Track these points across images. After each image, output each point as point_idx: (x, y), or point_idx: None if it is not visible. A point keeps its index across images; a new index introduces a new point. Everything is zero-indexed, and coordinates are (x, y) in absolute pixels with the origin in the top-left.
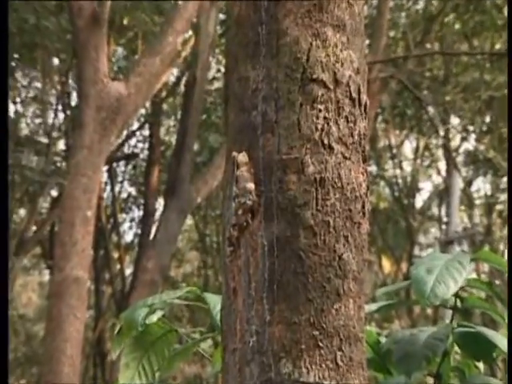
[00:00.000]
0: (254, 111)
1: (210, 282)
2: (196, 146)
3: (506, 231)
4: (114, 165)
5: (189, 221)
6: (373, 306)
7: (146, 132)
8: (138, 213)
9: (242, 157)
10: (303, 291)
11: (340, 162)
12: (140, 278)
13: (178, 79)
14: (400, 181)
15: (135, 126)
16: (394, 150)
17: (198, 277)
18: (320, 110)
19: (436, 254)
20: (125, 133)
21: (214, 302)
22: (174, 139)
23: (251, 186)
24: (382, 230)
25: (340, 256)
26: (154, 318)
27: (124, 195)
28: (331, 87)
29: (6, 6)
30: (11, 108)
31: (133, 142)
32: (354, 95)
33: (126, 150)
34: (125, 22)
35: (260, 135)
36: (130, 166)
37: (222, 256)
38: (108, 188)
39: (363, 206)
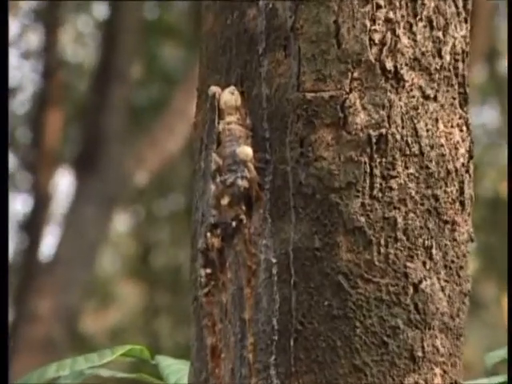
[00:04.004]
0: (250, 8)
1: (163, 338)
2: (136, 73)
3: None
4: None
5: (121, 220)
6: (483, 382)
7: (36, 42)
8: (18, 204)
9: (229, 95)
10: (345, 352)
11: (417, 105)
12: (24, 332)
13: None
14: None
15: (14, 29)
16: None
17: (140, 330)
18: (378, 6)
19: None
20: None
21: (175, 372)
22: (89, 58)
23: (246, 151)
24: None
25: (416, 285)
26: None
27: None
28: None
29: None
30: None
31: (10, 62)
32: None
33: None
34: None
35: (263, 54)
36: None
37: (190, 287)
38: None
39: (461, 191)
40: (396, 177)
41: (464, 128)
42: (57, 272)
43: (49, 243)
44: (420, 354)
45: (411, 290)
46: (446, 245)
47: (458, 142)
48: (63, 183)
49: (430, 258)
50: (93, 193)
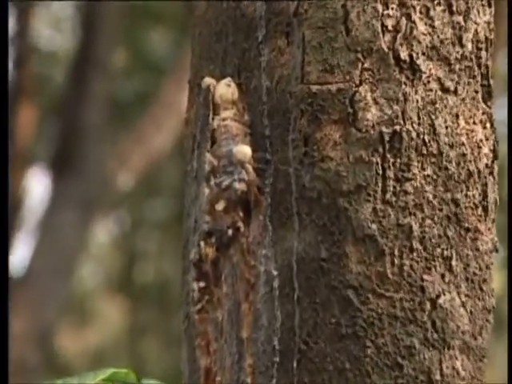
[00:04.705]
0: None
1: (151, 360)
2: (119, 62)
3: None
4: None
5: (102, 228)
6: None
7: (10, 32)
8: None
9: (225, 88)
10: (355, 375)
11: (435, 99)
12: None
13: None
14: None
15: None
16: None
17: (125, 351)
18: None
19: None
20: None
21: None
22: (66, 45)
23: (244, 150)
24: None
25: (434, 300)
26: None
27: None
28: None
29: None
30: None
31: None
32: None
33: None
34: None
35: (263, 41)
36: None
37: (181, 303)
38: None
39: (485, 195)
40: (411, 179)
41: (487, 125)
42: (30, 287)
43: (21, 254)
44: (438, 377)
45: (428, 306)
46: (467, 255)
47: (480, 141)
48: (37, 186)
49: (450, 270)
50: (71, 197)
